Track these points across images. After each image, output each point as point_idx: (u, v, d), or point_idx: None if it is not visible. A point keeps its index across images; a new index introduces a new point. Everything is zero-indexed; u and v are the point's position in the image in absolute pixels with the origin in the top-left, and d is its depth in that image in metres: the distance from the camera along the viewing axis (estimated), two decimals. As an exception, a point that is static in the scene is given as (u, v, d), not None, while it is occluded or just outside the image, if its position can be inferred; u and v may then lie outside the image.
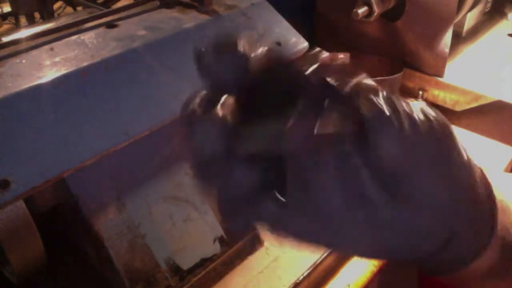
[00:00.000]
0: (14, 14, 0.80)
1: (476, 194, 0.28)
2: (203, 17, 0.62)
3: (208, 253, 0.61)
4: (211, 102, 0.26)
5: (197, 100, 0.27)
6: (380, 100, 0.25)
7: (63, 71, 0.49)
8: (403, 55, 1.00)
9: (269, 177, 0.26)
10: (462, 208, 0.28)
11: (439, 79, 0.98)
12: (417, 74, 1.01)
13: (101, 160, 0.48)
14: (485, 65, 1.03)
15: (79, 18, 0.59)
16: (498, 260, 0.30)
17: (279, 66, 0.27)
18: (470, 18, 1.12)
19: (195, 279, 0.59)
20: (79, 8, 0.84)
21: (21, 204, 0.48)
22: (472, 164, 0.28)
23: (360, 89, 0.26)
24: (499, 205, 0.29)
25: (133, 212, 0.57)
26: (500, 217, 0.29)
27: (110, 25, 0.58)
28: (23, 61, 0.50)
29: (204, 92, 0.28)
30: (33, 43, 0.53)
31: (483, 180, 0.29)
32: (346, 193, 0.25)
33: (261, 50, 0.27)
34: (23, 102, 0.45)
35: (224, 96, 0.26)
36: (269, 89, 0.27)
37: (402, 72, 0.97)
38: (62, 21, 0.62)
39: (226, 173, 0.26)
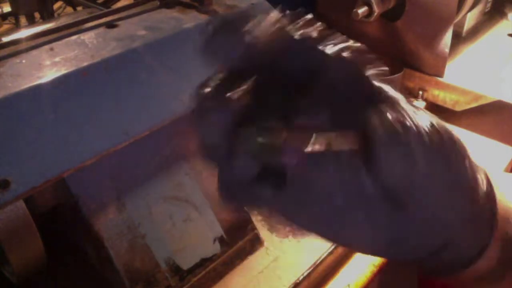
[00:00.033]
0: (14, 14, 0.80)
1: (476, 195, 0.28)
2: (203, 17, 0.62)
3: (208, 253, 0.61)
4: (221, 88, 0.25)
5: (209, 86, 0.26)
6: (393, 114, 0.25)
7: (63, 71, 0.48)
8: (403, 55, 1.00)
9: (269, 165, 0.26)
10: (462, 209, 0.28)
11: (439, 79, 0.98)
12: (417, 74, 1.01)
13: (101, 160, 0.48)
14: (485, 65, 1.03)
15: (79, 18, 0.59)
16: (498, 260, 0.30)
17: (292, 44, 0.25)
18: (470, 18, 1.12)
19: (195, 279, 0.59)
20: (79, 8, 0.84)
21: (21, 204, 0.48)
22: (475, 166, 0.28)
23: (380, 95, 0.26)
24: (499, 205, 0.29)
25: (133, 212, 0.57)
26: (500, 217, 0.29)
27: (110, 25, 0.58)
28: (23, 61, 0.50)
29: (215, 76, 0.26)
30: (33, 43, 0.53)
31: (486, 181, 0.29)
32: (346, 194, 0.25)
33: (271, 27, 0.25)
34: (23, 102, 0.45)
35: (236, 86, 0.25)
36: (282, 69, 0.25)
37: (402, 72, 0.97)
38: (62, 21, 0.62)
39: (229, 157, 0.25)
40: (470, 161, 0.28)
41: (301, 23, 0.25)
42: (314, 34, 0.25)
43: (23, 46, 0.53)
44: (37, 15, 0.80)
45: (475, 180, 0.28)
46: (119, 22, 0.59)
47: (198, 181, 0.62)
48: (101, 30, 0.57)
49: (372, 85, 0.26)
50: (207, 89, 0.25)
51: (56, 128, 0.46)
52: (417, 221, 0.26)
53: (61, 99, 0.47)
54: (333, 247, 0.64)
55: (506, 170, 0.88)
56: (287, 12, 0.26)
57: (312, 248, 0.64)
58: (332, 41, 0.25)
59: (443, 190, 0.26)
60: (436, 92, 1.00)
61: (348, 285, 0.64)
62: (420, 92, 1.01)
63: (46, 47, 0.53)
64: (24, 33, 0.56)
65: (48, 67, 0.49)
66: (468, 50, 1.10)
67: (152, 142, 0.57)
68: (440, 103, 0.99)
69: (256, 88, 0.25)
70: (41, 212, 0.53)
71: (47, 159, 0.44)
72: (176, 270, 0.58)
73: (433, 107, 1.00)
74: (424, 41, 0.96)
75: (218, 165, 0.26)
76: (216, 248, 0.61)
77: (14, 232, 0.48)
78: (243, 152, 0.24)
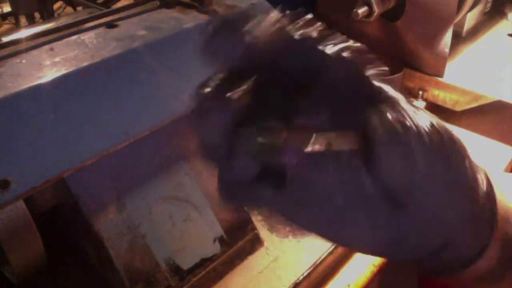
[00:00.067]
0: (14, 14, 0.80)
1: (476, 195, 0.28)
2: (203, 17, 0.62)
3: (208, 253, 0.61)
4: (221, 88, 0.25)
5: (209, 86, 0.26)
6: (393, 114, 0.25)
7: (63, 71, 0.48)
8: (403, 55, 1.00)
9: (269, 165, 0.26)
10: (462, 209, 0.28)
11: (439, 79, 0.98)
12: (417, 74, 1.01)
13: (101, 160, 0.48)
14: (485, 65, 1.03)
15: (79, 18, 0.59)
16: (498, 260, 0.30)
17: (292, 44, 0.25)
18: (470, 18, 1.12)
19: (195, 279, 0.59)
20: (79, 8, 0.84)
21: (21, 204, 0.48)
22: (475, 166, 0.28)
23: (381, 95, 0.26)
24: (499, 205, 0.29)
25: (133, 212, 0.57)
26: (500, 217, 0.29)
27: (110, 25, 0.58)
28: (23, 61, 0.50)
29: (216, 76, 0.26)
30: (33, 43, 0.53)
31: (486, 181, 0.29)
32: (345, 194, 0.25)
33: (271, 27, 0.25)
34: (23, 102, 0.45)
35: (235, 86, 0.25)
36: (282, 69, 0.25)
37: (402, 72, 0.97)
38: (62, 21, 0.62)
39: (229, 157, 0.25)
40: (470, 161, 0.28)
41: (301, 23, 0.25)
42: (314, 34, 0.25)
43: (23, 46, 0.53)
44: (37, 15, 0.80)
45: (475, 180, 0.28)
46: (119, 22, 0.59)
47: (198, 181, 0.62)
48: (101, 30, 0.57)
49: (372, 85, 0.26)
50: (207, 89, 0.25)
51: (56, 128, 0.46)
52: (417, 221, 0.26)
53: (61, 99, 0.47)
54: (333, 247, 0.64)
55: (506, 170, 0.88)
56: (287, 12, 0.26)
57: (312, 248, 0.64)
58: (332, 41, 0.25)
59: (443, 190, 0.26)
60: (436, 92, 1.00)
61: (348, 285, 0.64)
62: (420, 92, 1.01)
63: (46, 47, 0.53)
64: (24, 33, 0.56)
65: (48, 67, 0.49)
66: (468, 50, 1.10)
67: (152, 142, 0.57)
68: (440, 103, 0.99)
69: (256, 88, 0.25)
70: (41, 212, 0.53)
71: (47, 159, 0.44)
72: (176, 270, 0.58)
73: (433, 107, 1.00)
74: (424, 41, 0.96)
75: (218, 165, 0.26)
76: (216, 248, 0.61)
77: (14, 232, 0.48)
78: (243, 152, 0.24)
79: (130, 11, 0.63)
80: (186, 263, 0.59)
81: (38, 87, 0.46)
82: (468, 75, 0.99)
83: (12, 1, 0.75)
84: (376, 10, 0.89)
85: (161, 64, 0.54)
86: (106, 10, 0.63)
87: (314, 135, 0.24)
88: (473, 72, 1.01)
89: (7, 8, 0.85)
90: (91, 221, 0.54)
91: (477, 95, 0.95)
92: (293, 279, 0.61)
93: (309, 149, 0.23)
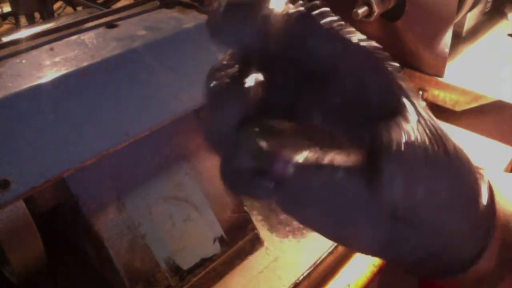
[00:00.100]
0: (14, 14, 0.80)
1: (478, 206, 0.28)
2: (203, 17, 0.62)
3: (208, 253, 0.61)
4: (236, 78, 0.23)
5: (222, 73, 0.24)
6: (403, 130, 0.24)
7: (63, 71, 0.48)
8: (403, 55, 1.00)
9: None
10: (463, 221, 0.28)
11: (439, 79, 0.98)
12: (417, 74, 1.01)
13: (101, 160, 0.48)
14: (485, 65, 1.03)
15: (79, 18, 0.59)
16: (498, 261, 0.30)
17: (317, 31, 0.23)
18: (470, 18, 1.12)
19: (195, 279, 0.59)
20: (79, 8, 0.84)
21: (21, 204, 0.48)
22: (478, 177, 0.28)
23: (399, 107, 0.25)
24: (498, 205, 0.29)
25: (133, 212, 0.57)
26: (500, 217, 0.29)
27: (110, 25, 0.58)
28: (23, 61, 0.50)
29: (229, 63, 0.24)
30: (33, 43, 0.53)
31: (488, 192, 0.29)
32: (342, 204, 0.25)
33: (287, 13, 0.23)
34: (23, 102, 0.45)
35: (248, 78, 0.23)
36: (299, 59, 0.24)
37: (402, 72, 0.96)
38: (62, 21, 0.62)
39: (231, 151, 0.24)
40: (473, 173, 0.28)
41: (318, 12, 0.24)
42: (337, 24, 0.24)
43: (23, 46, 0.53)
44: (37, 15, 0.80)
45: (478, 193, 0.28)
46: (119, 22, 0.59)
47: (198, 181, 0.62)
48: (101, 30, 0.57)
49: (397, 84, 0.25)
50: (221, 77, 0.23)
51: (56, 128, 0.46)
52: (417, 230, 0.26)
53: (61, 99, 0.47)
54: (333, 247, 0.64)
55: (506, 170, 0.88)
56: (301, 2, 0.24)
57: (312, 248, 0.64)
58: (353, 35, 0.24)
59: (445, 207, 0.26)
60: (436, 92, 1.00)
61: (348, 285, 0.64)
62: (420, 92, 1.01)
63: (46, 47, 0.53)
64: (24, 33, 0.56)
65: (48, 67, 0.49)
66: (468, 50, 1.10)
67: (152, 142, 0.57)
68: (440, 103, 0.99)
69: (270, 80, 0.24)
70: (41, 212, 0.53)
71: (47, 159, 0.44)
72: (176, 270, 0.58)
73: (433, 107, 1.00)
74: (424, 41, 0.96)
75: (222, 154, 0.25)
76: (216, 248, 0.61)
77: (14, 232, 0.48)
78: (244, 152, 0.24)
79: (130, 11, 0.63)
80: (186, 263, 0.59)
81: (38, 87, 0.46)
82: (468, 75, 0.99)
83: (12, 1, 0.75)
84: (376, 10, 0.89)
85: (161, 64, 0.54)
86: (106, 10, 0.63)
87: (314, 146, 0.23)
88: (473, 72, 1.01)
89: (7, 8, 0.85)
90: (91, 221, 0.54)
91: (477, 95, 0.94)
92: (293, 279, 0.61)
93: (300, 161, 0.22)
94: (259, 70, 0.23)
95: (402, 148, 0.24)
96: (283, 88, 0.25)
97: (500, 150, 0.91)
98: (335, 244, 0.62)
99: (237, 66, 0.24)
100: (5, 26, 0.90)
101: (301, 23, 0.24)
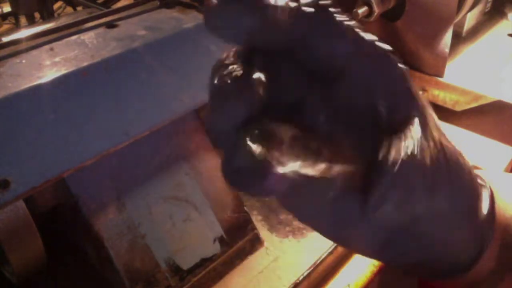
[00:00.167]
0: (14, 14, 0.80)
1: (479, 215, 0.28)
2: (203, 17, 0.62)
3: (208, 253, 0.61)
4: (241, 77, 0.22)
5: (226, 69, 0.23)
6: (405, 148, 0.23)
7: (63, 71, 0.48)
8: (403, 55, 1.00)
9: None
10: (463, 231, 0.28)
11: (439, 79, 0.98)
12: (417, 74, 1.01)
13: (101, 160, 0.48)
14: (485, 65, 1.03)
15: (79, 18, 0.59)
16: (497, 262, 0.30)
17: (328, 26, 0.22)
18: (470, 18, 1.12)
19: (195, 279, 0.59)
20: (79, 8, 0.84)
21: (21, 204, 0.48)
22: (478, 186, 0.28)
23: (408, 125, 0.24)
24: (498, 205, 0.29)
25: (133, 212, 0.57)
26: (499, 220, 0.29)
27: (110, 25, 0.58)
28: (23, 61, 0.50)
29: (232, 59, 0.23)
30: (33, 43, 0.53)
31: (490, 199, 0.29)
32: (339, 217, 0.25)
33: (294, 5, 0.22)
34: (23, 102, 0.45)
35: (253, 76, 0.22)
36: (306, 56, 0.23)
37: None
38: (62, 21, 0.62)
39: (232, 150, 0.24)
40: (474, 181, 0.28)
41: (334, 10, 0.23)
42: (350, 22, 0.23)
43: (23, 46, 0.53)
44: (37, 15, 0.80)
45: (479, 203, 0.28)
46: (119, 22, 0.59)
47: (198, 181, 0.62)
48: (101, 30, 0.57)
49: (410, 92, 0.24)
50: (224, 76, 0.23)
51: (56, 128, 0.46)
52: (417, 242, 0.26)
53: (61, 99, 0.47)
54: (333, 247, 0.64)
55: (506, 170, 0.88)
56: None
57: (312, 248, 0.64)
58: (366, 34, 0.24)
59: (445, 222, 0.26)
60: (436, 92, 1.00)
61: (348, 285, 0.64)
62: (420, 92, 1.00)
63: (46, 47, 0.53)
64: (24, 33, 0.56)
65: (48, 67, 0.49)
66: (468, 50, 1.10)
67: (152, 142, 0.57)
68: (440, 103, 0.99)
69: (275, 78, 0.23)
70: (41, 212, 0.53)
71: (47, 159, 0.44)
72: (176, 270, 0.58)
73: (433, 107, 0.99)
74: (424, 41, 0.96)
75: (223, 150, 0.25)
76: (216, 248, 0.61)
77: (14, 232, 0.48)
78: (242, 153, 0.24)
79: (130, 11, 0.63)
80: (186, 263, 0.59)
81: (38, 87, 0.46)
82: (468, 75, 0.99)
83: (12, 1, 0.75)
84: (376, 10, 0.89)
85: (161, 64, 0.54)
86: (106, 10, 0.63)
87: (309, 159, 0.22)
88: (473, 72, 1.01)
89: (7, 8, 0.85)
90: (91, 221, 0.54)
91: (477, 95, 0.94)
92: (293, 279, 0.61)
93: (292, 174, 0.22)
94: (262, 68, 0.23)
95: (397, 167, 0.23)
96: (287, 87, 0.24)
97: (500, 150, 0.91)
98: (335, 244, 0.62)
99: (240, 64, 0.23)
100: (5, 26, 0.90)
101: (315, 20, 0.22)
